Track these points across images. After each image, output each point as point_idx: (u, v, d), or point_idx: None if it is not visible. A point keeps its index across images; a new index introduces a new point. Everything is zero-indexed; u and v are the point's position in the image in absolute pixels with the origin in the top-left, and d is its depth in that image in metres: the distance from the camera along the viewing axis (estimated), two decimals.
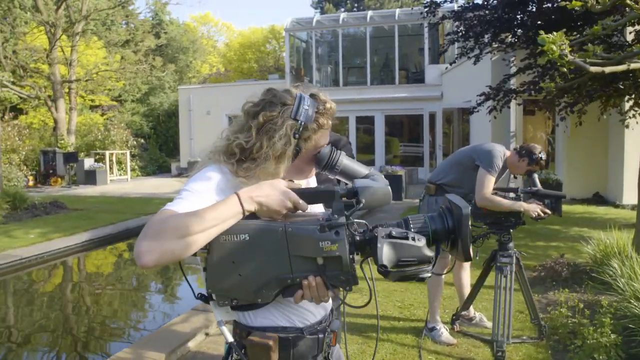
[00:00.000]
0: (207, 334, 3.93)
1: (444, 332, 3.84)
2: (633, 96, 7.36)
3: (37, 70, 19.83)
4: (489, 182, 3.55)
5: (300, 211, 1.25)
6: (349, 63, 20.00)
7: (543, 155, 3.60)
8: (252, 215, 1.21)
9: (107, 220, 9.26)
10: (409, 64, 19.47)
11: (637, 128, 9.19)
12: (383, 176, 1.40)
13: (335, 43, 19.61)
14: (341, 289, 1.24)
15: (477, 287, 3.81)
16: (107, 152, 17.65)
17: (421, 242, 1.19)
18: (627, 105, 8.37)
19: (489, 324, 3.94)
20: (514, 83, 9.72)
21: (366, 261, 1.25)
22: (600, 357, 3.17)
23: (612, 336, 3.26)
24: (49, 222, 9.14)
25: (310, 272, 1.20)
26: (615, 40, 7.13)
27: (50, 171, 16.63)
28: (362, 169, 1.48)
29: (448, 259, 3.69)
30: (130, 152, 19.22)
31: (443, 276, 4.01)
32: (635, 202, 6.69)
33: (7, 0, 20.73)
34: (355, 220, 1.23)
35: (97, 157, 17.86)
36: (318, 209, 1.43)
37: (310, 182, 1.57)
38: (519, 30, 8.43)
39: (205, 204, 1.21)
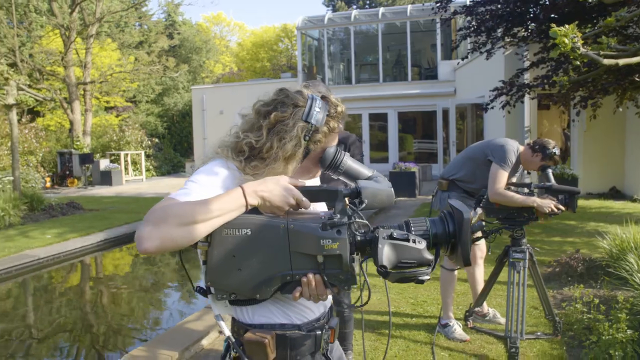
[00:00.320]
0: (220, 332, 3.95)
1: (457, 329, 3.82)
2: None
3: (53, 73, 20.09)
4: (502, 177, 3.52)
5: (303, 209, 1.25)
6: (361, 60, 19.96)
7: (557, 150, 3.56)
8: (255, 211, 1.22)
9: (122, 220, 9.36)
10: (421, 60, 19.38)
11: None
12: (386, 178, 1.40)
13: (347, 40, 19.57)
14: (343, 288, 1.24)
15: (490, 283, 3.78)
16: (122, 153, 17.83)
17: (422, 244, 1.20)
18: None
19: (503, 320, 3.91)
20: (527, 78, 9.62)
21: (366, 261, 1.26)
22: (616, 353, 3.13)
23: (628, 332, 3.21)
24: (65, 223, 9.26)
25: (310, 270, 1.20)
26: (630, 31, 7.02)
27: (67, 172, 16.84)
28: (366, 171, 1.48)
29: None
30: (145, 152, 19.40)
31: (456, 272, 3.98)
32: None
33: (24, 4, 21.03)
34: (357, 220, 1.23)
35: (113, 157, 18.05)
36: (321, 208, 1.43)
37: (314, 180, 1.58)
38: (532, 24, 8.34)
39: (209, 196, 1.22)
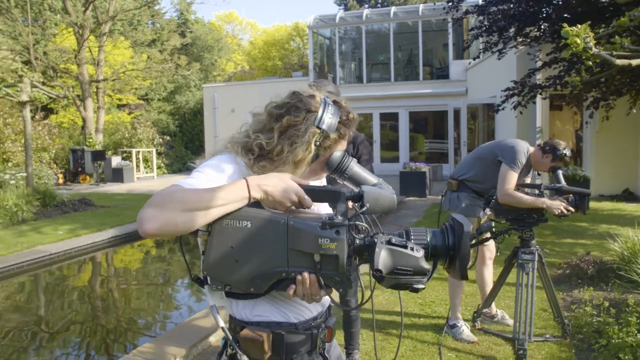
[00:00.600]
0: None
1: (465, 330, 3.81)
2: None
3: (66, 70, 20.27)
4: (511, 178, 3.50)
5: (305, 208, 1.26)
6: (373, 59, 19.91)
7: (567, 152, 3.54)
8: (257, 205, 1.23)
9: (133, 217, 9.42)
10: (433, 59, 19.30)
11: None
12: (390, 187, 1.41)
13: (358, 40, 19.54)
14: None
15: (498, 284, 3.76)
16: (134, 150, 17.95)
17: (419, 253, 1.20)
18: None
19: (511, 322, 3.89)
20: (539, 78, 9.54)
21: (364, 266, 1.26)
22: (626, 357, 3.10)
23: (639, 336, 3.19)
24: (77, 219, 9.35)
25: (306, 268, 1.20)
26: None
27: (79, 169, 17.00)
28: (371, 178, 1.49)
29: (469, 254, 3.65)
30: (157, 150, 19.52)
31: None
32: None
33: (39, 3, 21.24)
34: (358, 222, 1.23)
35: (124, 155, 18.18)
36: (325, 209, 1.43)
37: (320, 182, 1.58)
38: (544, 24, 8.28)
39: (215, 184, 1.24)
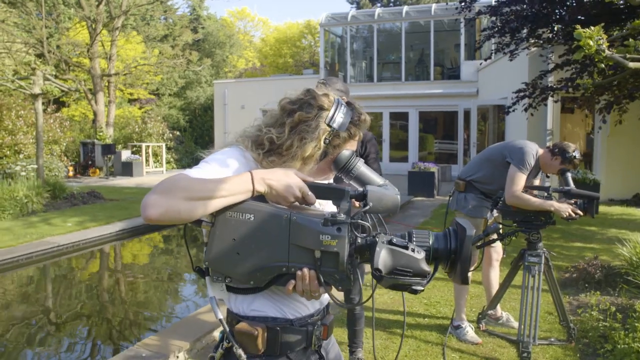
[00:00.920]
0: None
1: (470, 331, 3.79)
2: None
3: (79, 64, 20.40)
4: (520, 180, 3.48)
5: (308, 204, 1.26)
6: (384, 58, 19.87)
7: (577, 154, 3.51)
8: (261, 199, 1.23)
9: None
10: (444, 59, 19.22)
11: None
12: (396, 189, 1.41)
13: (370, 38, 19.50)
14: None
15: (504, 286, 3.74)
16: (144, 145, 18.05)
17: (420, 254, 1.19)
18: None
19: (516, 324, 3.87)
20: (551, 80, 9.48)
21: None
22: None
23: None
24: (86, 212, 9.41)
25: (306, 264, 1.20)
26: None
27: (89, 162, 17.12)
28: (377, 179, 1.49)
29: (476, 255, 3.64)
30: (166, 144, 19.61)
31: (470, 274, 3.95)
32: None
33: None
34: (360, 221, 1.23)
35: (134, 149, 18.29)
36: (329, 207, 1.43)
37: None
38: (557, 26, 8.21)
39: (221, 176, 1.25)
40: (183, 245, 8.31)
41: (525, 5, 8.25)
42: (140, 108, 24.66)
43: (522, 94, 8.56)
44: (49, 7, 21.21)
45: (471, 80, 17.03)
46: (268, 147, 1.35)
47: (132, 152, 17.93)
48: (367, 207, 1.25)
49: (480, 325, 3.93)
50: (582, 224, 7.94)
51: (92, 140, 17.78)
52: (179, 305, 5.75)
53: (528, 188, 3.54)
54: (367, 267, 1.25)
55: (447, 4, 15.09)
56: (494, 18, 8.96)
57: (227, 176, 1.22)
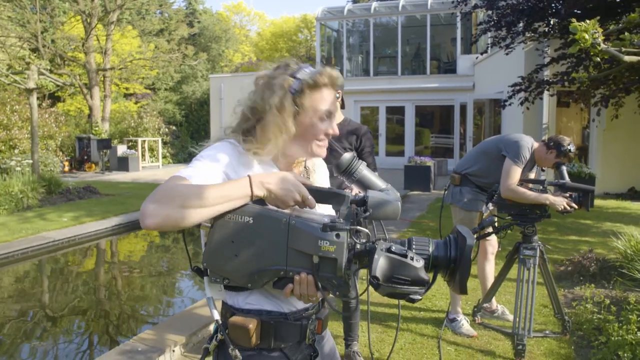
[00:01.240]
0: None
1: (465, 324, 3.81)
2: None
3: (74, 58, 20.29)
4: (515, 173, 3.48)
5: (308, 208, 1.26)
6: (380, 53, 19.83)
7: (572, 147, 3.51)
8: (261, 202, 1.23)
9: (137, 205, 9.46)
10: (440, 53, 19.20)
11: None
12: (398, 193, 1.40)
13: (366, 32, 19.46)
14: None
15: (499, 279, 3.76)
16: (140, 140, 17.99)
17: (419, 263, 1.18)
18: None
19: (511, 317, 3.88)
20: (547, 74, 9.48)
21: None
22: (625, 354, 3.09)
23: (639, 334, 3.18)
24: (81, 207, 9.39)
25: (304, 269, 1.20)
26: None
27: (85, 157, 17.05)
28: (380, 183, 1.49)
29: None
30: (162, 139, 19.56)
31: None
32: None
33: None
34: (359, 227, 1.23)
35: (130, 144, 18.23)
36: (330, 212, 1.43)
37: (319, 183, 1.58)
38: (553, 19, 8.20)
39: (215, 175, 1.26)
40: (179, 240, 8.30)
41: None
42: (136, 103, 24.57)
43: (518, 87, 8.56)
44: (43, 1, 21.08)
45: (467, 74, 17.02)
46: (252, 118, 1.38)
47: (128, 147, 17.87)
48: (367, 214, 1.25)
49: (476, 318, 3.95)
50: (577, 217, 7.97)
51: (88, 135, 17.70)
52: (174, 299, 5.75)
53: (523, 181, 3.55)
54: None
55: None
56: (490, 12, 8.95)
57: (225, 182, 1.22)
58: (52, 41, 20.87)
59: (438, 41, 18.99)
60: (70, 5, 20.39)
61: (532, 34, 8.73)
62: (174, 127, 21.71)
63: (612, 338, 3.25)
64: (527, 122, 11.21)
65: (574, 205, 3.39)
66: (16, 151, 14.04)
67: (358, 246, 1.22)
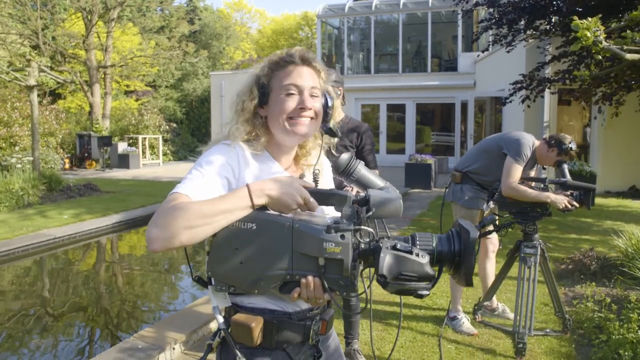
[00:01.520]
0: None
1: (465, 322, 3.80)
2: None
3: (75, 55, 20.28)
4: (516, 171, 3.48)
5: (310, 211, 1.25)
6: (381, 50, 19.80)
7: (573, 145, 3.50)
8: (262, 207, 1.23)
9: (138, 203, 9.47)
10: (441, 51, 19.17)
11: None
12: (398, 191, 1.39)
13: (367, 30, 19.42)
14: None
15: (500, 277, 3.75)
16: (140, 137, 17.99)
17: (424, 259, 1.18)
18: None
19: (512, 315, 3.88)
20: (548, 72, 9.46)
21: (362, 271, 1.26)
22: (626, 353, 3.09)
23: (639, 332, 3.17)
24: (82, 204, 9.39)
25: (310, 272, 1.20)
26: None
27: (86, 154, 17.06)
28: (378, 181, 1.49)
29: None
30: (163, 137, 19.55)
31: None
32: None
33: None
34: (363, 227, 1.22)
35: (131, 141, 18.22)
36: (332, 213, 1.42)
37: (326, 183, 1.57)
38: (555, 17, 8.18)
39: (214, 183, 1.25)
40: None
41: None
42: (136, 100, 24.57)
43: (519, 85, 8.54)
44: None
45: (468, 72, 17.00)
46: (248, 114, 1.40)
47: (129, 144, 17.87)
48: (370, 213, 1.24)
49: (476, 317, 3.94)
50: (578, 215, 7.96)
51: (89, 132, 17.70)
52: (175, 297, 5.75)
53: (524, 179, 3.54)
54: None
55: None
56: (491, 9, 8.92)
57: (224, 195, 1.22)
58: (53, 38, 20.86)
59: (439, 39, 18.96)
60: (71, 2, 20.36)
61: (534, 32, 8.71)
62: (174, 125, 21.71)
63: (613, 336, 3.24)
64: (528, 120, 11.19)
65: (575, 203, 3.39)
66: (17, 148, 14.04)
67: (362, 245, 1.22)
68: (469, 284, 1.23)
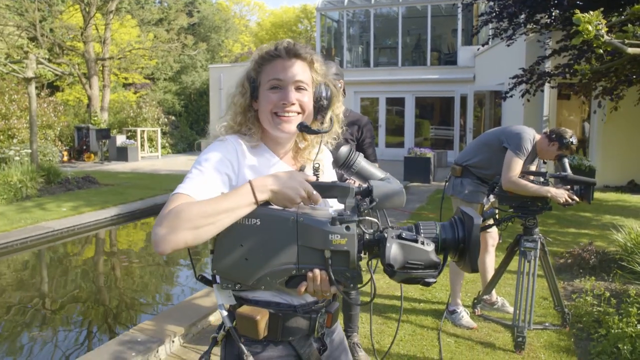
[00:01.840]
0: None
1: (465, 316, 3.81)
2: None
3: (73, 48, 20.18)
4: (516, 165, 3.47)
5: (314, 204, 1.25)
6: (381, 43, 19.74)
7: (574, 140, 3.49)
8: (266, 203, 1.22)
9: (137, 195, 9.45)
10: (441, 45, 19.11)
11: None
12: (398, 181, 1.39)
13: (367, 23, 19.35)
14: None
15: (500, 271, 3.75)
16: (139, 130, 17.94)
17: (430, 247, 1.18)
18: None
19: (511, 309, 3.88)
20: (548, 66, 9.44)
21: (371, 261, 1.25)
22: (625, 347, 3.10)
23: (638, 326, 3.18)
24: (80, 197, 9.37)
25: (317, 265, 1.20)
26: None
27: (84, 147, 17.02)
28: (378, 173, 1.49)
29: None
30: (161, 129, 19.50)
31: None
32: None
33: None
34: (367, 217, 1.22)
35: (129, 134, 18.18)
36: (336, 205, 1.41)
37: (328, 175, 1.56)
38: (556, 11, 8.15)
39: (215, 182, 1.25)
40: None
41: None
42: (135, 92, 24.48)
43: (519, 79, 8.52)
44: None
45: (468, 65, 16.96)
46: (240, 108, 1.40)
47: (127, 137, 17.83)
48: (374, 204, 1.24)
49: (476, 310, 3.95)
50: (578, 210, 7.97)
51: (87, 124, 17.65)
52: (174, 289, 5.75)
53: (525, 174, 3.53)
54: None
55: None
56: (491, 3, 8.89)
57: (227, 194, 1.21)
58: (51, 30, 20.75)
59: (439, 32, 18.89)
60: None
61: (534, 26, 8.68)
62: (173, 117, 21.65)
63: (612, 330, 3.25)
64: (527, 114, 11.18)
65: (575, 197, 3.39)
66: (15, 141, 13.98)
67: (367, 236, 1.22)
68: (475, 269, 1.23)
